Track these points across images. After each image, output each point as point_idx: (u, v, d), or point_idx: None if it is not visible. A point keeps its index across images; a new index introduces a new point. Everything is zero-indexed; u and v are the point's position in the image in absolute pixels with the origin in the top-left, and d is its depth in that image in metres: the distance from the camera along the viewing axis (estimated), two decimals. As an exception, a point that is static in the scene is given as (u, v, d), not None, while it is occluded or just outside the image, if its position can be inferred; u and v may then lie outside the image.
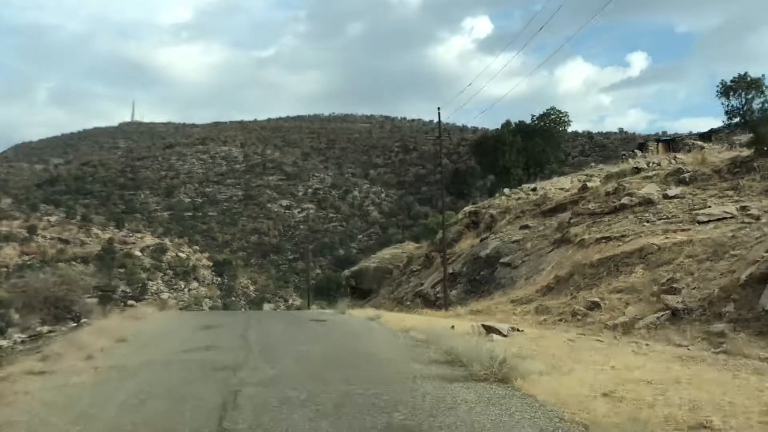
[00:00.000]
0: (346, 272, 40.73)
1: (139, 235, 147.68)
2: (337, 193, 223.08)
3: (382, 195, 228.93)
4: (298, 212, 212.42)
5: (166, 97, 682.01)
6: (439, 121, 29.06)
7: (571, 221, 26.44)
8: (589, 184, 30.53)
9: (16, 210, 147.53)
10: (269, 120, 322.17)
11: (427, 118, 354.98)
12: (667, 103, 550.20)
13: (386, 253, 42.67)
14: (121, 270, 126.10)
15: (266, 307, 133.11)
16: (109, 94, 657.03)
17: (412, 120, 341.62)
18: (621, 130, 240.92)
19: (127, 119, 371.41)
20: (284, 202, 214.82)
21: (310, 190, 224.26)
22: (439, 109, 28.49)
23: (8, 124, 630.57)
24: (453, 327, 16.88)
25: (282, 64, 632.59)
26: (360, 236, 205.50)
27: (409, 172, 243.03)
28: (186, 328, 21.44)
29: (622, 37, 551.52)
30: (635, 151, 45.53)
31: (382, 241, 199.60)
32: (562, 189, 34.96)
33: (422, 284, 32.21)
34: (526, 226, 29.86)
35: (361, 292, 41.79)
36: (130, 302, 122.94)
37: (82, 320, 25.79)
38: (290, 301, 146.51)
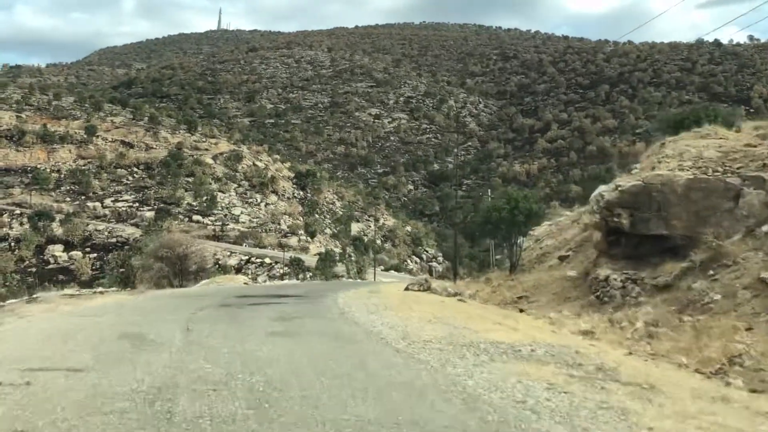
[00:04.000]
0: (604, 192, 12.92)
1: (212, 140, 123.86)
2: (432, 103, 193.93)
3: (481, 105, 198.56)
4: (389, 122, 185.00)
5: (251, 8, 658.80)
6: None
7: None
8: None
9: (78, 109, 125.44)
10: (357, 27, 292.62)
11: (524, 28, 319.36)
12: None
13: (697, 146, 14.87)
14: (189, 179, 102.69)
15: (354, 228, 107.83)
16: (195, 4, 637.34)
17: (509, 29, 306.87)
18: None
19: (213, 28, 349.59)
20: (373, 111, 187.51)
21: (401, 99, 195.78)
22: None
23: (93, 33, 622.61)
24: None
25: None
26: (456, 150, 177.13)
27: (510, 82, 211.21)
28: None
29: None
30: None
31: (482, 156, 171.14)
32: None
33: None
34: None
35: (642, 243, 14.46)
36: (195, 218, 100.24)
37: None
38: (381, 221, 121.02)
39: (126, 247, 73.19)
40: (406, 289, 22.00)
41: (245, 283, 30.87)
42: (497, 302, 17.94)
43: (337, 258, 72.33)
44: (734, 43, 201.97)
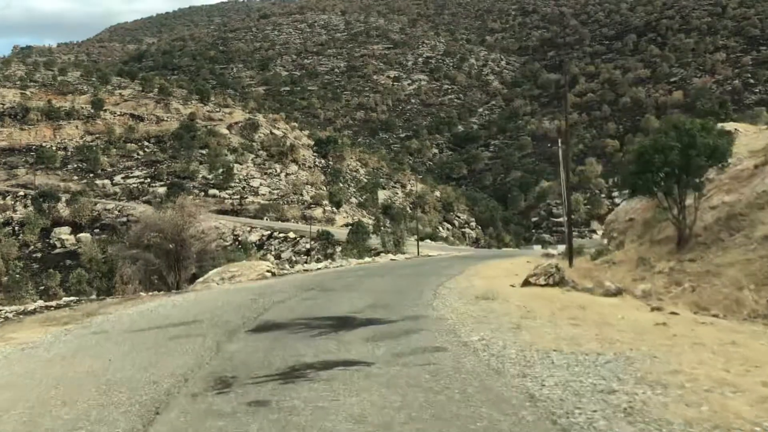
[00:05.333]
0: None
1: (226, 109, 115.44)
2: (452, 62, 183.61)
3: (503, 63, 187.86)
4: (408, 84, 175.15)
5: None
6: None
7: None
8: None
9: (85, 84, 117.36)
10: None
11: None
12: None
13: None
14: (203, 152, 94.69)
15: (381, 196, 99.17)
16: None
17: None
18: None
19: (224, 0, 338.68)
20: (392, 73, 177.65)
21: (420, 59, 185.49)
22: None
23: (104, 12, 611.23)
24: None
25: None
26: (480, 109, 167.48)
27: (531, 37, 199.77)
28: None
29: None
30: None
31: (507, 114, 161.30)
32: None
33: None
34: None
35: None
36: (211, 191, 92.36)
37: None
38: (408, 187, 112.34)
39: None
40: (526, 282, 13.67)
41: (269, 272, 22.75)
42: (737, 314, 9.40)
43: (370, 229, 64.00)
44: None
